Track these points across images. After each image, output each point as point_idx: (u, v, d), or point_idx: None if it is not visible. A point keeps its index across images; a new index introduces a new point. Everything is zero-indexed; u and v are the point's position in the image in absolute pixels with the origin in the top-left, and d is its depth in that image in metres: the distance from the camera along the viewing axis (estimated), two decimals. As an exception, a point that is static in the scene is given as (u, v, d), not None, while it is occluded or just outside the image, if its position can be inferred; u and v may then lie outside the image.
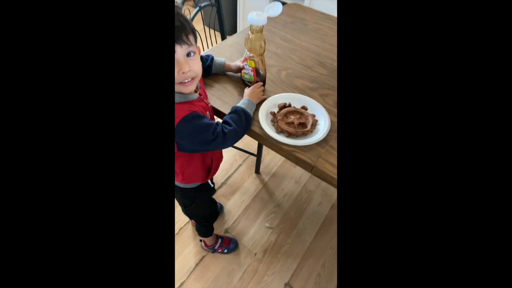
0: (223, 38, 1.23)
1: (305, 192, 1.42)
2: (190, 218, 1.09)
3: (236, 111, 0.67)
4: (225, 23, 1.24)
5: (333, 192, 1.43)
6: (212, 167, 0.81)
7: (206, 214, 1.01)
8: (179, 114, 0.57)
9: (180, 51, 0.54)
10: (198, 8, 1.04)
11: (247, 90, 0.76)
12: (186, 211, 0.94)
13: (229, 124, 0.64)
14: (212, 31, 1.93)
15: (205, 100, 0.69)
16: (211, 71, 0.83)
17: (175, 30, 0.51)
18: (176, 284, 1.11)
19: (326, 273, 1.17)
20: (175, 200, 1.17)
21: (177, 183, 0.81)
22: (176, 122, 0.57)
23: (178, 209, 1.31)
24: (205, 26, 1.47)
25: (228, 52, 0.95)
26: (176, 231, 1.25)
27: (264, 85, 0.80)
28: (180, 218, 1.28)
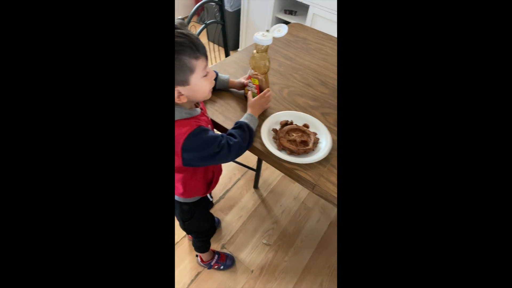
0: (226, 54, 1.26)
1: (304, 209, 1.41)
2: (188, 233, 1.07)
3: (240, 126, 0.68)
4: (228, 39, 1.27)
5: (331, 209, 1.42)
6: (213, 181, 0.81)
7: (204, 229, 1.00)
8: (187, 129, 0.58)
9: (207, 64, 0.61)
10: (204, 25, 1.07)
11: (251, 100, 0.76)
12: (184, 226, 0.92)
13: (234, 137, 0.65)
14: (216, 46, 1.97)
15: (206, 115, 0.71)
16: (216, 87, 0.84)
17: (204, 49, 0.58)
18: (170, 301, 1.07)
19: (323, 293, 1.15)
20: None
21: (176, 197, 0.81)
22: (183, 138, 0.58)
23: (175, 223, 1.29)
24: (209, 41, 1.50)
25: (232, 68, 0.96)
26: (172, 245, 1.22)
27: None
28: (176, 232, 1.26)
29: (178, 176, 0.73)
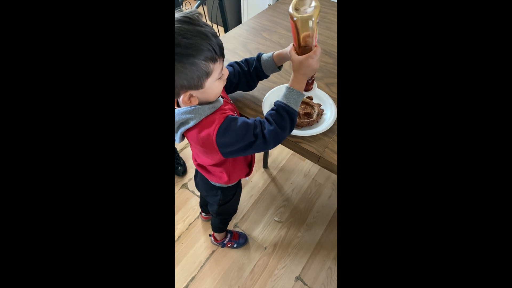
0: (226, 31, 1.22)
1: (314, 186, 1.40)
2: (219, 215, 1.00)
3: (277, 109, 0.57)
4: (228, 17, 1.23)
5: (343, 184, 1.40)
6: (252, 160, 0.80)
7: (235, 208, 1.01)
8: (215, 125, 0.54)
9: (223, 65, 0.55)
10: (199, 1, 1.03)
11: (295, 60, 0.58)
12: (219, 209, 0.90)
13: (270, 124, 0.56)
14: (216, 26, 1.92)
15: (229, 101, 0.66)
16: (264, 72, 0.67)
17: (222, 49, 0.52)
18: (187, 278, 1.12)
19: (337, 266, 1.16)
20: (203, 202, 1.16)
21: (219, 185, 0.80)
22: (214, 135, 0.54)
23: (189, 204, 1.32)
24: (208, 22, 1.46)
25: (231, 44, 0.93)
26: (186, 226, 1.26)
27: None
28: (190, 214, 1.29)
29: (219, 169, 0.70)
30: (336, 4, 1.13)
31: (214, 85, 0.54)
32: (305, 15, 0.53)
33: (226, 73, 0.57)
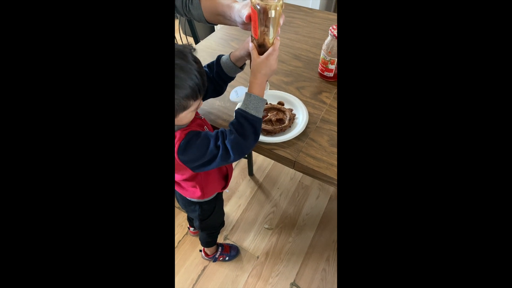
0: (196, 43, 1.21)
1: (301, 188, 1.40)
2: (203, 230, 0.99)
3: (237, 117, 0.55)
4: (201, 26, 1.22)
5: (329, 184, 1.41)
6: (228, 173, 0.79)
7: (219, 223, 0.99)
8: (176, 141, 0.53)
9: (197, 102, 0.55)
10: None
11: (255, 60, 0.54)
12: (201, 225, 0.89)
13: (231, 132, 0.53)
14: (190, 39, 1.91)
15: (198, 116, 0.64)
16: (227, 75, 0.64)
17: (206, 87, 0.54)
18: (181, 299, 1.08)
19: (331, 267, 1.15)
20: (189, 216, 1.13)
21: (195, 200, 0.78)
22: (176, 154, 0.53)
23: (176, 220, 1.29)
24: (181, 34, 1.45)
25: (200, 57, 0.92)
26: (175, 244, 1.22)
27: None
28: (178, 231, 1.26)
29: (191, 183, 0.69)
30: (301, 8, 1.15)
31: (187, 116, 0.55)
32: (270, 3, 0.48)
33: (200, 104, 0.57)
